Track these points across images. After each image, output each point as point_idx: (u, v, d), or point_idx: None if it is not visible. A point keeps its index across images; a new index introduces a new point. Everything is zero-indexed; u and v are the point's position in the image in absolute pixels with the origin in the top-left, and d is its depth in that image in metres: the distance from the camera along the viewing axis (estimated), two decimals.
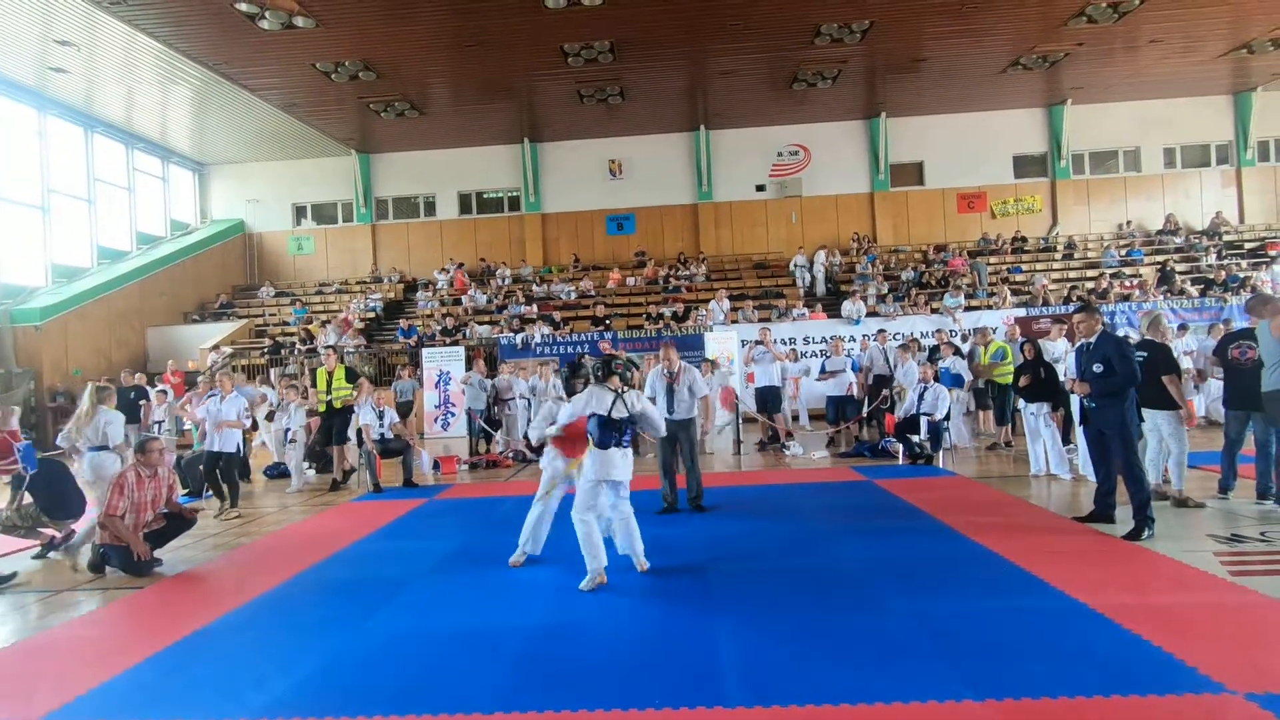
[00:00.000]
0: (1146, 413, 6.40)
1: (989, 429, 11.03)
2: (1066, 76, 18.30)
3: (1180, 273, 17.73)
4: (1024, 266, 19.39)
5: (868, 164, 21.38)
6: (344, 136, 20.54)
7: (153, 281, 19.42)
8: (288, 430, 10.27)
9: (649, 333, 16.52)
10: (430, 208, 22.59)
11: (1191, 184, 21.09)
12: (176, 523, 6.24)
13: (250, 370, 16.50)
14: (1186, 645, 3.48)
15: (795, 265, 19.20)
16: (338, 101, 17.62)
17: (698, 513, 6.93)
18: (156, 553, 5.96)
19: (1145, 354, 6.24)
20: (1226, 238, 19.55)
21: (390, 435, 9.25)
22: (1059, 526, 5.90)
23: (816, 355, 14.19)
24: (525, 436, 11.92)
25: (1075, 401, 6.39)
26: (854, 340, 14.16)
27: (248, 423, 8.70)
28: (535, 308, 18.65)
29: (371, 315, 19.63)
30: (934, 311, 16.24)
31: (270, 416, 11.03)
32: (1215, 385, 10.12)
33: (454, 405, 14.90)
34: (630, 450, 5.11)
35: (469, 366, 13.71)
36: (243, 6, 12.63)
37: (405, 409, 13.15)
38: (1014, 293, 17.23)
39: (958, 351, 11.20)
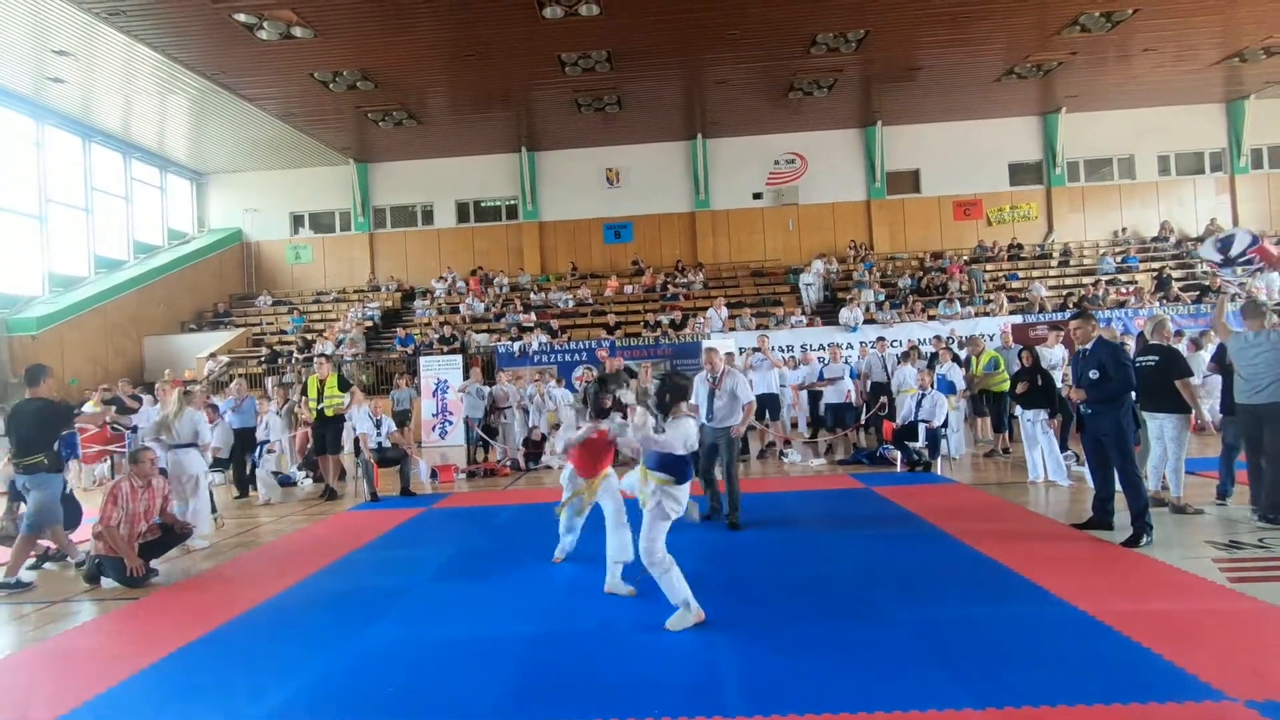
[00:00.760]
0: (1152, 417, 6.41)
1: (986, 436, 11.05)
2: (1061, 85, 18.41)
3: (1176, 279, 17.80)
4: (1020, 274, 19.45)
5: (864, 172, 21.47)
6: (342, 146, 20.59)
7: (150, 291, 19.40)
8: (264, 442, 10.23)
9: (647, 340, 16.54)
10: (428, 216, 22.62)
11: (1186, 191, 21.21)
12: (171, 534, 6.21)
13: (250, 379, 16.47)
14: (1186, 652, 3.47)
15: (803, 283, 18.64)
16: (335, 111, 17.66)
17: (734, 530, 6.40)
18: (152, 563, 5.94)
19: (1156, 358, 6.26)
20: None
21: (388, 444, 9.23)
22: (1057, 533, 5.90)
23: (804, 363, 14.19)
24: (522, 445, 11.93)
25: None
26: (852, 348, 14.20)
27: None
28: (533, 316, 18.67)
29: (369, 324, 19.62)
30: (931, 319, 16.29)
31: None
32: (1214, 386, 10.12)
33: (451, 414, 14.89)
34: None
35: (466, 375, 13.71)
36: (241, 17, 12.68)
37: (402, 418, 13.13)
38: (1010, 300, 17.28)
39: (956, 359, 11.23)
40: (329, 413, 9.34)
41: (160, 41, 13.63)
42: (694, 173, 21.52)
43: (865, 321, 16.23)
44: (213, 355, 18.05)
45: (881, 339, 12.54)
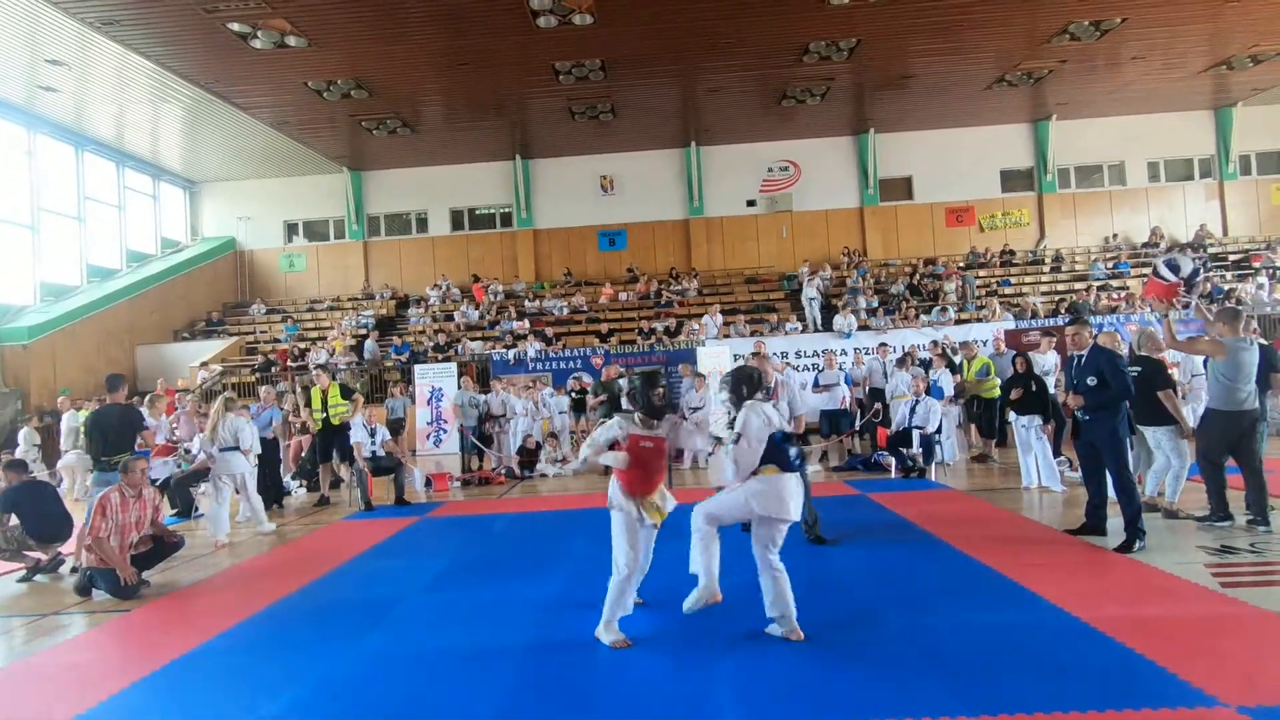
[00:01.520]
0: (1146, 430, 6.44)
1: (978, 441, 11.08)
2: (1051, 92, 18.57)
3: None
4: (1013, 280, 19.56)
5: (857, 179, 21.58)
6: (336, 154, 20.59)
7: (143, 300, 19.32)
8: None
9: (641, 348, 16.56)
10: (422, 224, 22.62)
11: (1175, 197, 21.38)
12: (162, 545, 6.17)
13: (241, 388, 16.41)
14: (1178, 658, 3.48)
15: (806, 299, 18.07)
16: (329, 119, 17.68)
17: (817, 544, 5.88)
18: (144, 574, 5.90)
19: (1139, 369, 6.28)
20: (1211, 250, 19.79)
21: (382, 453, 9.20)
22: (1051, 539, 5.92)
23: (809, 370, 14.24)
24: (517, 453, 11.91)
25: None
26: (846, 354, 14.24)
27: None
28: (527, 323, 18.66)
29: (363, 332, 19.60)
30: (925, 325, 16.36)
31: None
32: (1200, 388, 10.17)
33: (446, 422, 14.85)
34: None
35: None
36: (235, 26, 12.69)
37: (397, 426, 13.10)
38: (1003, 306, 17.37)
39: (950, 364, 11.26)
40: (335, 421, 9.42)
41: (154, 51, 13.63)
42: (688, 180, 21.59)
43: (859, 328, 16.29)
44: (205, 364, 17.97)
45: (884, 345, 12.57)
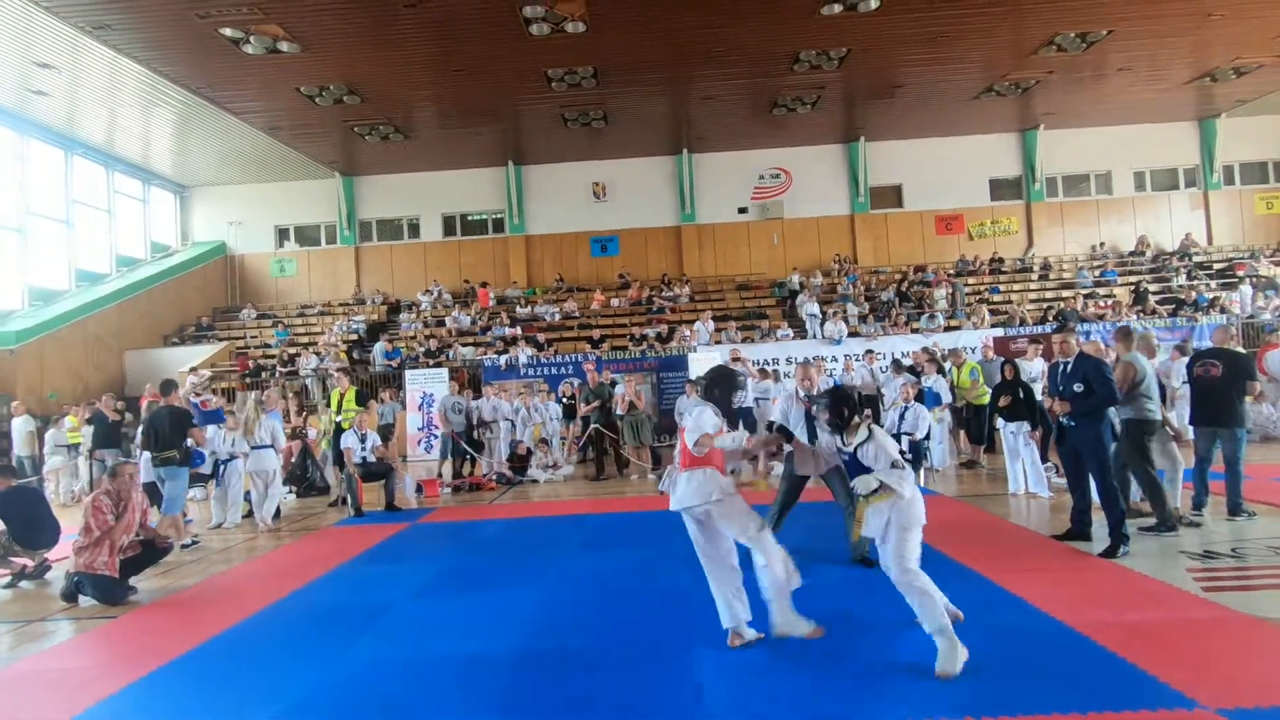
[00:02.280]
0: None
1: (966, 448, 11.16)
2: (1038, 102, 18.77)
3: (1153, 293, 18.13)
4: (1001, 287, 19.72)
5: (848, 187, 21.72)
6: (328, 159, 20.55)
7: (132, 304, 19.19)
8: (232, 458, 8.95)
9: (633, 354, 16.58)
10: (414, 230, 22.60)
11: (1161, 207, 21.63)
12: (151, 550, 6.14)
13: (229, 393, 16.32)
14: (1160, 662, 3.54)
15: (807, 314, 17.66)
16: (321, 125, 17.65)
17: (863, 565, 5.45)
18: (132, 580, 5.87)
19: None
20: (1196, 259, 20.03)
21: (372, 458, 9.19)
22: (1037, 544, 5.98)
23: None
24: (508, 459, 11.90)
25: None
26: (836, 360, 14.30)
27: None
28: (519, 329, 18.66)
29: (354, 337, 19.54)
30: (914, 331, 16.46)
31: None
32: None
33: (436, 428, 14.81)
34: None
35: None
36: (227, 31, 12.68)
37: (387, 431, 13.06)
38: (992, 313, 17.50)
39: (941, 370, 11.33)
40: (344, 426, 9.49)
41: (145, 55, 13.59)
42: (680, 187, 21.68)
43: (849, 334, 16.37)
44: (194, 369, 17.86)
45: (870, 351, 12.60)
